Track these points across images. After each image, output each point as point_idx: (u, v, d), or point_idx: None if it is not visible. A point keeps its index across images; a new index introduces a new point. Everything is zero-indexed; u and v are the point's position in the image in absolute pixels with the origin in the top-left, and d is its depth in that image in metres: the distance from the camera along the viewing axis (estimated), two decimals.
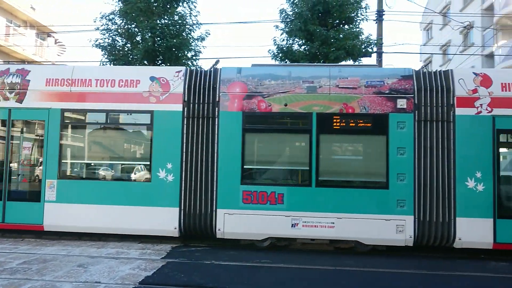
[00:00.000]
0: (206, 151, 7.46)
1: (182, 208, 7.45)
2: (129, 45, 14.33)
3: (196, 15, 14.87)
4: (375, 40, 13.90)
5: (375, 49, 13.97)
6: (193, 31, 14.65)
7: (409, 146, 7.14)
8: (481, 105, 7.12)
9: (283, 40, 14.03)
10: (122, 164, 8.28)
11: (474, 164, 7.04)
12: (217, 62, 8.38)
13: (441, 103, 7.18)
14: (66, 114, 7.92)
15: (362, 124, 7.33)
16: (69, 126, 8.07)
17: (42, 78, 7.96)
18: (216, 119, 7.48)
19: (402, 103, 7.27)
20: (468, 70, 7.87)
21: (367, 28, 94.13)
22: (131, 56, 13.97)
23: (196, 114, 7.55)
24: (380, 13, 14.37)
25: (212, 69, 7.88)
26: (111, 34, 14.28)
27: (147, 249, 7.20)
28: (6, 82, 8.00)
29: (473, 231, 6.97)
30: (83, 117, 8.07)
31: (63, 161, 7.89)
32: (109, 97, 7.77)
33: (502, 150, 7.30)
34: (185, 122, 7.54)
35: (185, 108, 7.57)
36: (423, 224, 7.04)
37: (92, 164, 8.34)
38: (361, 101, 7.31)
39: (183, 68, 7.85)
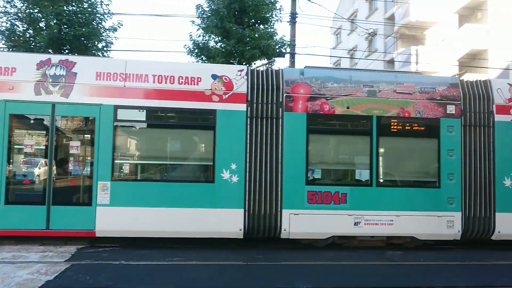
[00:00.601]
0: (271, 151, 7.40)
1: (247, 209, 7.29)
2: (31, 31, 13.21)
3: (108, 4, 14.21)
4: (288, 41, 14.40)
5: (288, 50, 14.47)
6: (104, 21, 13.94)
7: (457, 148, 7.77)
8: None
9: (199, 36, 13.97)
10: (182, 165, 7.80)
11: (510, 165, 7.84)
12: (272, 62, 8.25)
13: (483, 110, 7.89)
14: (120, 111, 7.23)
15: (416, 128, 7.83)
16: (123, 124, 7.37)
17: (91, 71, 7.26)
18: (280, 119, 7.45)
19: (451, 109, 7.86)
20: (504, 81, 8.67)
21: (281, 30, 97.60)
22: (33, 43, 12.89)
23: (260, 114, 7.45)
24: (293, 16, 14.90)
25: (274, 69, 7.83)
26: (9, 18, 13.05)
27: (49, 252, 6.71)
28: (48, 74, 7.15)
29: (510, 224, 7.76)
30: (138, 115, 7.41)
31: (117, 161, 7.28)
32: (168, 95, 7.32)
33: None
34: (248, 122, 7.40)
35: (249, 108, 7.43)
36: (468, 219, 7.69)
37: (150, 164, 7.75)
38: (416, 106, 7.78)
39: (244, 67, 7.70)
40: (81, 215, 7.07)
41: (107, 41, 14.04)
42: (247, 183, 7.31)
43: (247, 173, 7.32)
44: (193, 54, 13.84)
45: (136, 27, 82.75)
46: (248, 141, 7.37)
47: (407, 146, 8.08)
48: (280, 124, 7.44)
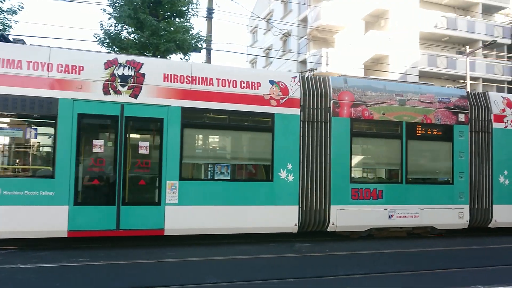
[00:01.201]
0: (320, 153, 8.21)
1: (300, 205, 7.99)
2: None
3: None
4: (204, 37, 14.32)
5: (204, 45, 14.40)
6: (1, 2, 12.65)
7: (466, 150, 9.24)
8: (507, 121, 9.69)
9: (111, 25, 13.30)
10: (243, 165, 8.24)
11: (503, 165, 9.49)
12: (312, 70, 9.67)
13: (485, 118, 9.49)
14: (186, 112, 7.48)
15: (435, 133, 9.14)
16: (190, 125, 7.58)
17: (159, 73, 7.44)
18: (328, 124, 8.28)
19: (462, 117, 9.30)
20: (498, 94, 10.28)
21: (198, 25, 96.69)
22: None
23: (311, 118, 8.21)
24: (210, 11, 14.87)
25: (322, 77, 8.64)
26: None
27: None
28: (116, 74, 7.19)
29: (504, 214, 9.43)
30: (203, 116, 7.76)
31: (184, 161, 7.49)
32: (231, 98, 7.73)
33: None
34: (301, 126, 8.10)
35: (302, 112, 8.13)
36: (474, 210, 9.20)
37: (214, 164, 7.87)
38: (435, 114, 9.11)
39: (297, 74, 8.45)
40: (150, 214, 7.20)
41: (5, 24, 12.77)
42: (301, 181, 8.04)
43: (301, 172, 8.05)
44: (104, 44, 13.14)
45: (40, 11, 76.34)
46: (301, 143, 8.11)
47: (428, 148, 9.32)
48: (328, 127, 8.29)
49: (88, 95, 7.05)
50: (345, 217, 8.27)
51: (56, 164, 6.82)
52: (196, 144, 8.00)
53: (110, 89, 7.15)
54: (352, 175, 8.47)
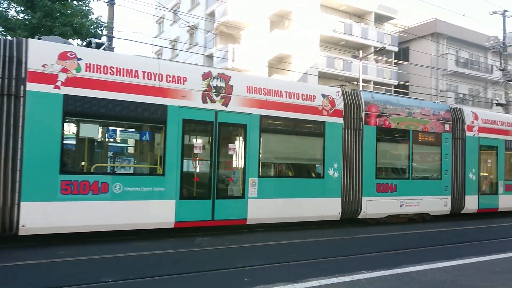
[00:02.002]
0: (356, 154, 10.11)
1: (342, 198, 9.83)
2: None
3: None
4: (105, 23, 13.57)
5: (105, 32, 13.64)
6: None
7: (449, 153, 11.82)
8: (475, 130, 12.51)
9: None
10: (304, 164, 9.99)
11: (472, 164, 12.30)
12: (344, 85, 11.01)
13: (461, 128, 12.16)
14: (263, 119, 8.85)
15: (430, 139, 11.53)
16: (265, 130, 8.95)
17: (243, 85, 8.69)
18: (361, 131, 10.27)
19: (447, 127, 11.83)
20: (469, 108, 13.18)
21: (99, 10, 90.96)
22: None
23: (350, 126, 10.10)
24: None
25: (355, 91, 10.63)
26: None
27: None
28: (212, 85, 8.28)
29: (473, 202, 12.29)
30: (275, 123, 9.21)
31: (262, 161, 8.93)
32: (295, 108, 9.30)
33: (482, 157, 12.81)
34: (343, 132, 9.94)
35: (344, 121, 9.99)
36: (454, 200, 11.83)
37: (282, 163, 9.70)
38: (431, 124, 11.55)
39: (339, 89, 10.21)
40: (236, 206, 8.50)
41: None
42: (343, 178, 9.86)
43: (343, 170, 9.88)
44: None
45: None
46: (343, 147, 9.93)
47: (425, 151, 11.65)
48: (361, 134, 10.24)
49: (190, 103, 8.11)
50: (371, 206, 10.30)
51: (166, 163, 7.79)
52: (269, 147, 9.30)
53: (207, 98, 8.28)
54: (379, 174, 10.61)
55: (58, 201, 6.87)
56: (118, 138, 8.18)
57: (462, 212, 12.14)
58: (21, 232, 6.63)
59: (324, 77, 28.90)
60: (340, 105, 9.96)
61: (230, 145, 8.76)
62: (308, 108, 9.49)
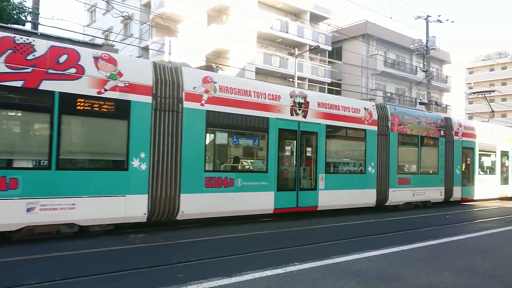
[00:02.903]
0: (385, 155, 12.98)
1: (376, 189, 12.74)
2: None
3: None
4: (30, 8, 12.67)
5: (29, 18, 12.74)
6: None
7: (443, 153, 15.09)
8: (459, 135, 15.95)
9: None
10: (352, 162, 12.61)
11: (457, 162, 15.77)
12: (372, 100, 14.33)
13: (450, 134, 15.55)
14: (328, 128, 11.49)
15: (431, 142, 14.74)
16: (329, 136, 11.56)
17: (315, 101, 11.27)
18: (388, 136, 13.10)
19: (442, 132, 15.14)
20: (456, 118, 16.81)
21: None
22: None
23: (381, 132, 12.90)
24: None
25: (382, 104, 13.70)
26: None
27: None
28: (296, 101, 10.77)
29: (457, 192, 15.75)
30: (334, 131, 11.77)
31: (327, 160, 11.47)
32: (347, 118, 11.94)
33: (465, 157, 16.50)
34: (377, 138, 12.77)
35: (378, 129, 12.76)
36: (447, 190, 15.20)
37: (338, 162, 12.18)
38: (432, 130, 14.75)
39: (373, 103, 13.28)
40: (311, 196, 11.00)
41: None
42: (377, 174, 12.68)
43: (377, 168, 12.71)
44: None
45: None
46: (377, 149, 12.77)
47: (428, 151, 14.63)
48: (388, 139, 13.12)
49: (283, 116, 10.52)
50: (394, 195, 13.23)
51: (268, 163, 10.21)
52: (331, 149, 11.73)
53: (293, 111, 10.71)
54: (399, 170, 13.50)
55: (203, 193, 8.96)
56: (239, 143, 10.18)
57: (451, 200, 15.53)
58: (180, 217, 8.63)
59: (261, 73, 29.22)
60: (375, 116, 12.78)
61: (308, 148, 11.22)
62: (355, 118, 12.22)
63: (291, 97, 10.66)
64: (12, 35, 6.84)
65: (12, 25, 9.89)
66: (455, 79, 55.36)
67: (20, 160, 7.02)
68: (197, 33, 25.75)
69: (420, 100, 27.41)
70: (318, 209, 11.13)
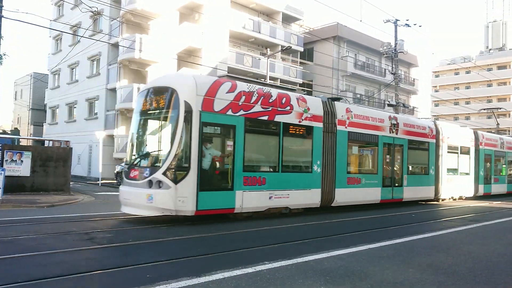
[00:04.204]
0: (439, 160, 17.60)
1: (434, 186, 17.37)
2: None
3: None
4: None
5: None
6: None
7: (433, 154, 17.33)
8: (446, 140, 18.63)
9: None
10: (418, 165, 17.05)
11: (445, 164, 17.82)
12: (435, 118, 14.93)
13: (440, 138, 17.68)
14: (409, 142, 15.94)
15: (423, 146, 17.15)
16: (409, 148, 15.93)
17: (402, 122, 15.68)
18: (439, 146, 17.58)
19: (432, 136, 17.34)
20: (446, 124, 20.22)
21: None
22: None
23: (437, 144, 17.47)
24: None
25: (435, 121, 18.59)
26: None
27: None
28: (391, 122, 15.01)
29: (444, 191, 17.90)
30: (412, 143, 16.16)
31: (409, 166, 15.91)
32: (415, 134, 16.30)
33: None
34: (435, 147, 17.35)
35: (436, 141, 17.43)
36: (437, 188, 17.38)
37: (413, 165, 16.50)
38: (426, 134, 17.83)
39: (434, 121, 18.43)
40: (399, 191, 15.56)
41: None
42: (435, 174, 17.28)
43: (436, 170, 17.28)
44: None
45: None
46: (435, 155, 17.31)
47: (419, 153, 16.91)
48: (439, 149, 17.50)
49: (384, 133, 14.70)
50: (407, 191, 16.05)
51: (378, 167, 14.54)
52: (409, 157, 15.82)
53: (390, 130, 14.92)
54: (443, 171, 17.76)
55: (346, 188, 13.07)
56: (363, 154, 14.67)
57: (438, 197, 18.24)
58: (334, 204, 12.73)
59: (233, 73, 29.14)
60: (435, 132, 17.39)
61: (397, 156, 15.41)
62: (424, 134, 16.76)
63: (389, 120, 14.96)
64: (265, 87, 10.93)
65: (260, 80, 16.89)
66: (421, 82, 57.01)
67: (265, 166, 10.96)
68: (168, 30, 25.44)
69: (389, 102, 28.06)
70: (403, 200, 15.51)
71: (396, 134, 15.08)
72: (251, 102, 10.22)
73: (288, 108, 11.16)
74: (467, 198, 19.72)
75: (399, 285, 4.87)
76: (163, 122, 9.59)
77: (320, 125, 12.08)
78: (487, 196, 21.09)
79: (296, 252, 6.48)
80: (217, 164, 9.79)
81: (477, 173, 20.11)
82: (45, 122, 36.33)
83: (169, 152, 8.90)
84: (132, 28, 25.80)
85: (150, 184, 8.89)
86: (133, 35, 24.66)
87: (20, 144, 23.96)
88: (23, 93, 45.22)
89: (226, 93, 9.68)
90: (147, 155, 9.80)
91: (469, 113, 64.46)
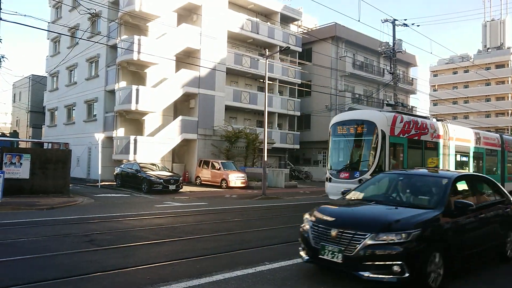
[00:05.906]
0: (498, 163, 20.48)
1: None
2: None
3: None
4: None
5: None
6: None
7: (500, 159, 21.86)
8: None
9: None
10: (493, 169, 20.03)
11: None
12: (500, 131, 20.50)
13: (504, 147, 22.25)
14: (486, 150, 19.31)
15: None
16: (486, 154, 19.41)
17: (482, 136, 19.38)
18: (503, 153, 20.64)
19: (498, 145, 21.60)
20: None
21: None
22: None
23: (501, 150, 20.59)
24: None
25: (501, 134, 22.87)
26: None
27: None
28: (480, 136, 19.24)
29: None
30: (488, 152, 19.66)
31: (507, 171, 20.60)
32: (490, 144, 19.74)
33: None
34: (500, 154, 20.47)
35: (501, 149, 20.52)
36: (502, 185, 17.69)
37: (488, 169, 19.45)
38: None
39: (499, 134, 22.29)
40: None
41: None
42: (501, 175, 20.24)
43: (501, 172, 20.21)
44: None
45: None
46: (500, 160, 20.37)
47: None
48: (503, 154, 20.69)
49: (475, 145, 18.58)
50: None
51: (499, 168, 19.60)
52: (487, 161, 19.43)
53: (478, 142, 18.91)
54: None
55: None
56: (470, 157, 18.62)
57: None
58: None
59: (232, 73, 29.19)
60: (500, 142, 20.56)
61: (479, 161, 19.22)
62: (494, 144, 20.10)
63: (474, 135, 18.80)
64: (416, 117, 15.52)
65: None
66: (420, 81, 57.09)
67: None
68: (167, 32, 25.44)
69: (387, 101, 28.10)
70: None
71: (479, 144, 19.14)
72: (410, 128, 14.55)
73: (426, 130, 15.46)
74: None
75: None
76: (365, 143, 13.61)
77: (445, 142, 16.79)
78: None
79: (295, 252, 6.47)
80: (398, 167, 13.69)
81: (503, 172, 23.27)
82: (44, 124, 36.29)
83: (373, 161, 12.95)
84: (130, 30, 25.78)
85: (360, 182, 11.41)
86: (131, 36, 24.62)
87: (19, 146, 23.93)
88: (22, 95, 45.20)
89: (399, 123, 13.92)
90: (356, 163, 13.65)
91: (467, 112, 64.59)
